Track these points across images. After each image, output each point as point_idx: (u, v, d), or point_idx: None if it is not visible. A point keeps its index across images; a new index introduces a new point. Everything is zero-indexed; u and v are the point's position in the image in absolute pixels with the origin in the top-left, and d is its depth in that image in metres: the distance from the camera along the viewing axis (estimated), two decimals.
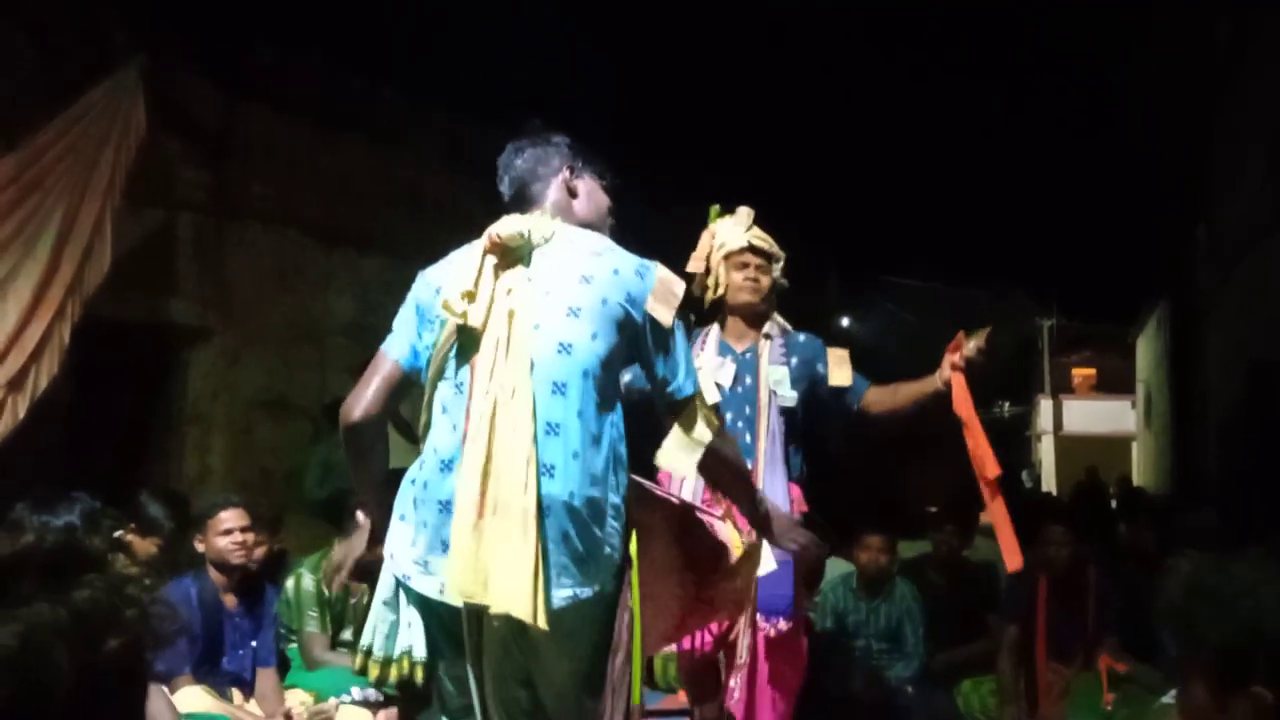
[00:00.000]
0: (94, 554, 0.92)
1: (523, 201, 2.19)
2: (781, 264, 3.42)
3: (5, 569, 0.88)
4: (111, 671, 0.89)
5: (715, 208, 3.43)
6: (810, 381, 3.30)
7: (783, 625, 3.16)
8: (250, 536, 3.63)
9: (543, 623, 1.81)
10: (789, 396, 3.24)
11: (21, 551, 0.90)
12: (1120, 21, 10.45)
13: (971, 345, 3.21)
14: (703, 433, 2.12)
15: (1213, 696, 1.21)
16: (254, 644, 3.63)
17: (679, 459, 2.14)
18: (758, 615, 3.10)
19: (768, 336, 3.35)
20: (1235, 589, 1.22)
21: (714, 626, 3.13)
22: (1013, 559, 3.18)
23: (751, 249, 3.32)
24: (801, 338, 3.38)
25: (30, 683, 0.84)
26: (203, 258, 6.40)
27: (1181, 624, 1.28)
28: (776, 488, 3.16)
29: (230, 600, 3.60)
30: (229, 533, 3.55)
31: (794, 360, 3.31)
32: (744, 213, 3.39)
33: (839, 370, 3.31)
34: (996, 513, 3.19)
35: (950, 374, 3.20)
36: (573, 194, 2.21)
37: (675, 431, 2.13)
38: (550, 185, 2.20)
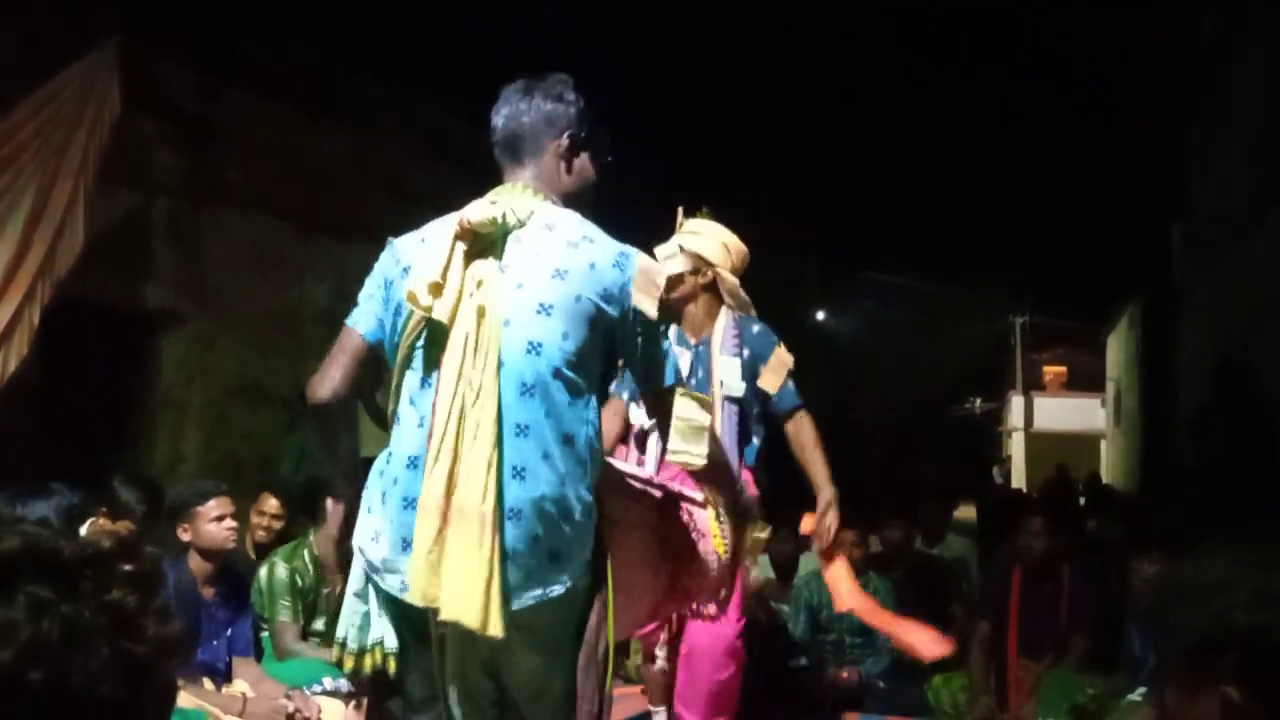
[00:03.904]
0: (65, 561, 0.90)
1: (511, 157, 2.10)
2: (722, 264, 3.41)
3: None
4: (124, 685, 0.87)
5: (679, 210, 3.46)
6: (755, 375, 3.36)
7: (711, 609, 3.19)
8: (236, 523, 3.61)
9: (493, 631, 1.79)
10: (735, 387, 3.29)
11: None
12: (1099, 24, 10.54)
13: (823, 532, 3.39)
14: (701, 417, 2.11)
15: (1185, 696, 1.21)
16: (229, 634, 3.60)
17: (690, 451, 2.12)
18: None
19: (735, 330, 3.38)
20: (1204, 586, 1.22)
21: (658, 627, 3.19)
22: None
23: (687, 252, 3.36)
24: (756, 328, 3.41)
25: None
26: (178, 242, 6.34)
27: (1154, 624, 1.27)
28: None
29: (208, 591, 3.56)
30: (221, 519, 3.50)
31: (746, 352, 3.37)
32: (702, 220, 3.44)
33: (771, 375, 3.36)
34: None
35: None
36: (565, 165, 2.11)
37: (675, 424, 2.11)
38: (546, 150, 2.09)
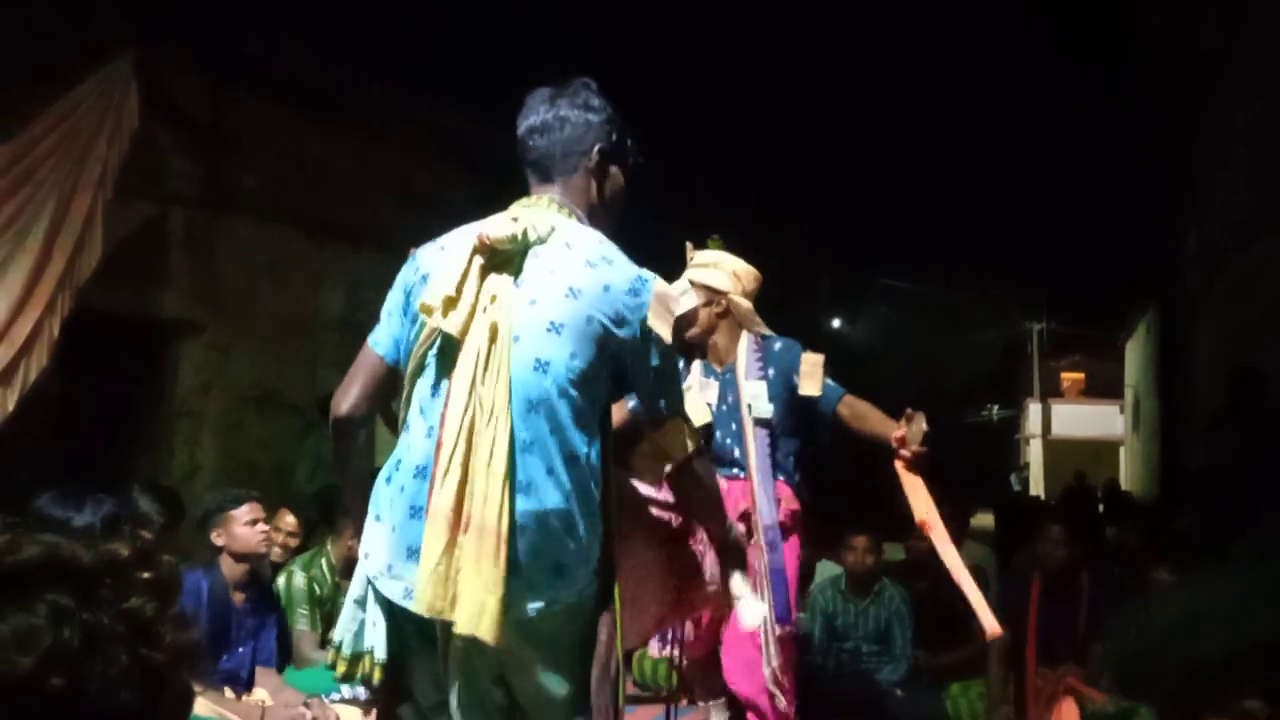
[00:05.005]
0: (86, 568, 0.90)
1: (541, 175, 2.09)
2: (734, 291, 3.45)
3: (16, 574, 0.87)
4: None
5: (689, 246, 3.51)
6: (789, 390, 3.42)
7: (779, 631, 3.26)
8: (270, 531, 3.64)
9: (502, 643, 1.81)
10: (764, 410, 3.34)
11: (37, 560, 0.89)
12: (1109, 29, 10.51)
13: (914, 433, 3.16)
14: (680, 448, 2.11)
15: None
16: (254, 643, 3.62)
17: (649, 469, 2.13)
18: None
19: (759, 344, 3.42)
20: (1186, 626, 1.19)
21: (694, 626, 3.24)
22: (989, 624, 3.13)
23: (700, 285, 3.42)
24: (778, 345, 3.47)
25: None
26: (194, 251, 6.38)
27: (1147, 676, 1.24)
28: (765, 500, 3.28)
29: (238, 596, 3.59)
30: (254, 523, 3.55)
31: (772, 371, 3.42)
32: (710, 251, 3.49)
33: (808, 381, 3.40)
34: (963, 583, 3.22)
35: (899, 466, 3.20)
36: (598, 181, 2.10)
37: (653, 442, 2.11)
38: (578, 168, 2.07)
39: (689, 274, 3.43)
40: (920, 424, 3.16)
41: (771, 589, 3.16)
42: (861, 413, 3.39)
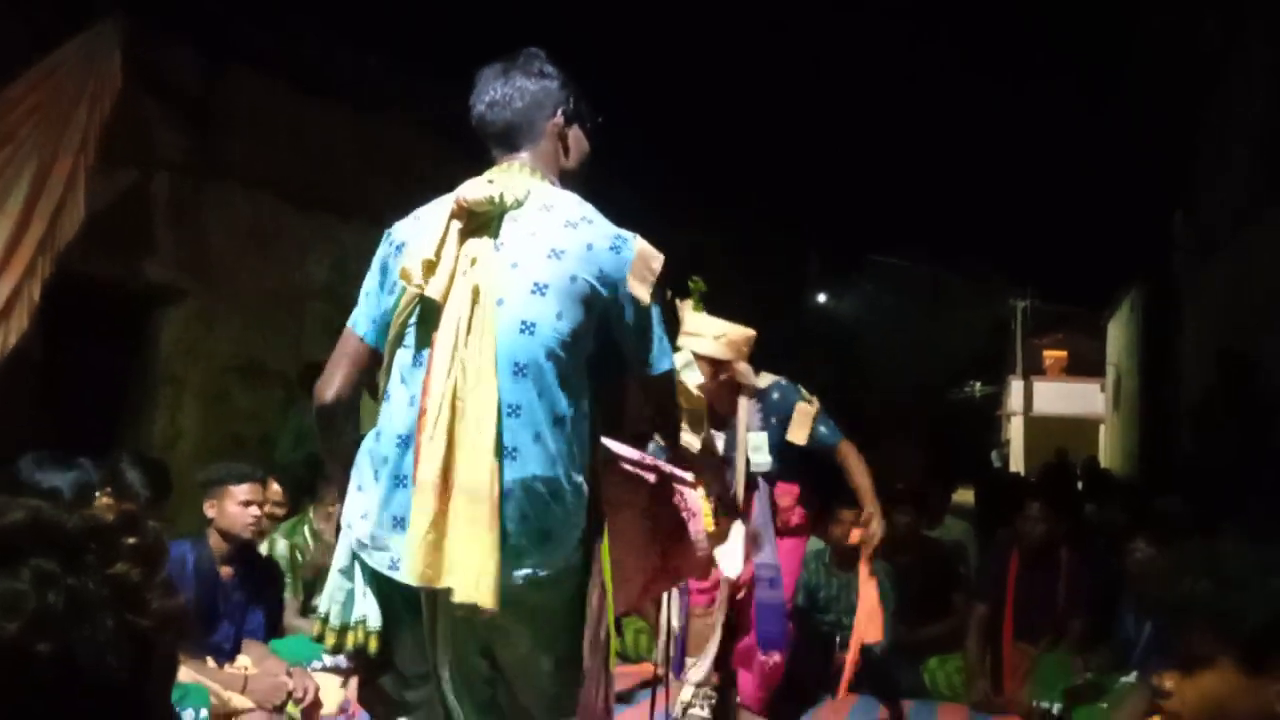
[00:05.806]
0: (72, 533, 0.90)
1: (508, 145, 2.08)
2: (736, 359, 3.58)
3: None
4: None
5: (697, 284, 3.57)
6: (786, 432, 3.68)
7: (776, 658, 3.60)
8: (263, 513, 3.58)
9: (498, 607, 1.80)
10: (763, 463, 3.57)
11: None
12: (1106, 11, 10.48)
13: (871, 536, 3.64)
14: (698, 402, 2.14)
15: (1244, 680, 1.21)
16: (240, 619, 3.58)
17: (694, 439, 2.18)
18: (757, 649, 3.62)
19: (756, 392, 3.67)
20: (1265, 571, 1.22)
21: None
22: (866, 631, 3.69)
23: (704, 358, 3.52)
24: (775, 395, 3.68)
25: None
26: (179, 218, 6.32)
27: (1209, 612, 1.25)
28: (766, 548, 3.59)
29: (225, 571, 3.52)
30: (248, 505, 3.46)
31: (773, 420, 3.65)
32: (698, 316, 3.57)
33: (797, 429, 3.64)
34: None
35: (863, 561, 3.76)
36: (563, 144, 2.11)
37: (683, 414, 2.16)
38: (543, 134, 2.08)
39: (688, 343, 3.50)
40: (876, 528, 3.59)
41: (761, 621, 3.52)
42: (849, 468, 3.73)
